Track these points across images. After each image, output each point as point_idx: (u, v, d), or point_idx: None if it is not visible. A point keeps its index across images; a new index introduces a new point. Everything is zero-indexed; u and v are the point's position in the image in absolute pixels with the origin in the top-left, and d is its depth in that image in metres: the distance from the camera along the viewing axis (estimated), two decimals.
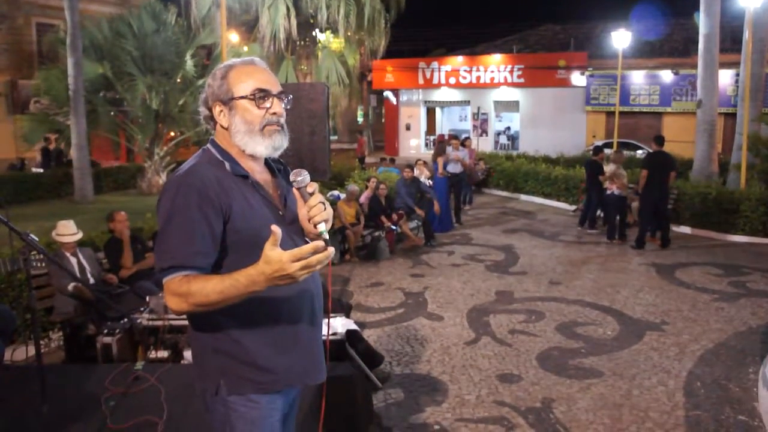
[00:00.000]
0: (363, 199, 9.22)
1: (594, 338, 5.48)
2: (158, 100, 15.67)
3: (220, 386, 1.77)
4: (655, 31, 23.69)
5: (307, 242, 1.78)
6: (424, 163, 11.40)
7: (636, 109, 22.91)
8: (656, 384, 4.50)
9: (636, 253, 8.87)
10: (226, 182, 1.73)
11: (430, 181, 10.75)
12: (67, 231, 5.17)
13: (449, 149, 11.53)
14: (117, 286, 5.29)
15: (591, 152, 11.24)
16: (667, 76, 22.26)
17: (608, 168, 9.94)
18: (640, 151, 19.27)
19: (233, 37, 19.39)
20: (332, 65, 20.19)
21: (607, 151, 12.03)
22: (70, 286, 4.89)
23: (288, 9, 19.10)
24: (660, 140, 9.15)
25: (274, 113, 1.80)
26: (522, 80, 24.84)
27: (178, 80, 16.29)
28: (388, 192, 9.54)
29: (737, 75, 16.22)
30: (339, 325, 4.39)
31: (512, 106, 26.15)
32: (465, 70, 25.82)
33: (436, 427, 3.88)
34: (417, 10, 33.30)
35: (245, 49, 18.06)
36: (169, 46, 15.75)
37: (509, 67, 24.94)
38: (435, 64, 26.49)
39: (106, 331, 4.37)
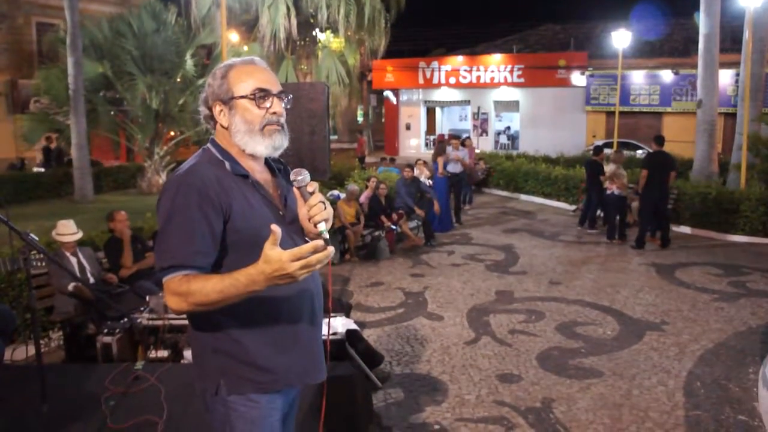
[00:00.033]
0: (363, 198, 9.22)
1: (594, 338, 5.48)
2: (158, 100, 15.68)
3: (220, 386, 1.77)
4: (655, 31, 23.68)
5: (307, 242, 1.78)
6: (424, 162, 11.39)
7: (636, 109, 22.91)
8: (656, 384, 4.50)
9: (636, 253, 8.87)
10: (226, 182, 1.73)
11: (430, 180, 10.75)
12: (67, 230, 5.17)
13: (449, 149, 11.53)
14: (117, 286, 5.29)
15: (591, 152, 11.24)
16: (667, 76, 22.26)
17: (608, 168, 9.94)
18: (640, 151, 19.26)
19: (233, 36, 19.38)
20: (332, 65, 20.19)
21: (607, 151, 12.03)
22: (70, 286, 4.89)
23: (288, 8, 19.10)
24: (660, 140, 9.15)
25: (275, 113, 1.80)
26: (522, 80, 24.83)
27: (178, 80, 16.30)
28: (388, 192, 9.54)
29: (737, 75, 16.22)
30: (339, 324, 4.39)
31: (512, 105, 26.15)
32: (465, 70, 25.81)
33: (436, 426, 3.88)
34: (417, 10, 33.25)
35: (245, 48, 18.06)
36: (169, 46, 15.75)
37: (509, 66, 24.93)
38: (435, 64, 26.48)
39: (106, 330, 4.37)
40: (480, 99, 26.40)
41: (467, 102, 27.28)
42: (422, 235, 9.65)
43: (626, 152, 14.89)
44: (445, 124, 30.01)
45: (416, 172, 10.45)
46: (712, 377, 4.61)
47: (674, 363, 4.89)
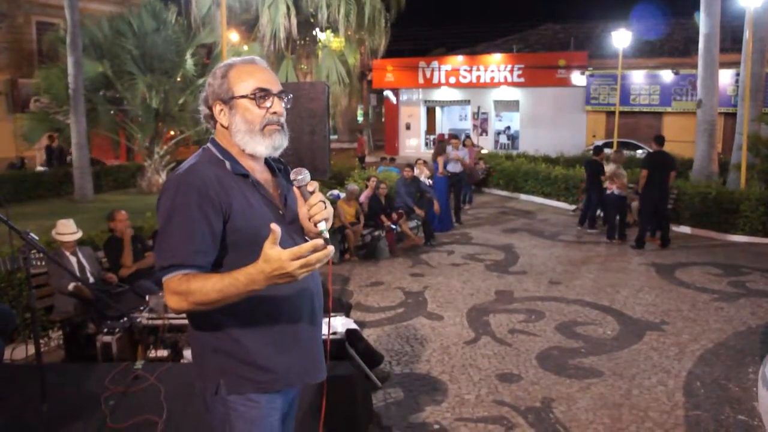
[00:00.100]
0: (363, 198, 9.22)
1: (594, 338, 5.48)
2: (158, 99, 15.68)
3: (220, 385, 1.77)
4: (655, 31, 23.68)
5: (306, 241, 1.77)
6: (424, 162, 11.40)
7: (636, 109, 22.91)
8: (656, 384, 4.50)
9: (636, 252, 8.87)
10: (227, 181, 1.73)
11: (430, 180, 10.75)
12: (67, 230, 5.17)
13: (449, 149, 11.53)
14: (117, 285, 5.29)
15: (591, 152, 11.24)
16: (667, 75, 22.26)
17: (608, 168, 9.94)
18: (640, 151, 19.27)
19: (233, 36, 19.38)
20: (332, 64, 20.19)
21: (607, 150, 12.03)
22: (70, 286, 4.89)
23: (288, 8, 19.10)
24: (660, 140, 9.15)
25: (275, 112, 1.79)
26: (522, 80, 24.83)
27: (178, 79, 16.30)
28: (388, 191, 9.53)
29: (737, 75, 16.22)
30: (339, 324, 4.39)
31: (512, 105, 26.15)
32: (465, 70, 25.81)
33: (436, 426, 3.88)
34: (417, 10, 33.27)
35: (245, 48, 18.07)
36: (169, 45, 15.75)
37: (509, 66, 24.93)
38: (435, 64, 26.48)
39: (105, 330, 4.37)
40: (480, 99, 26.40)
41: (467, 102, 27.29)
42: (422, 234, 9.65)
43: (626, 152, 14.88)
44: (445, 123, 30.02)
45: (416, 171, 10.45)
46: (712, 377, 4.61)
47: (674, 363, 4.89)
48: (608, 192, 9.70)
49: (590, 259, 8.54)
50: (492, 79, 25.34)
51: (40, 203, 13.99)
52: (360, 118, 35.37)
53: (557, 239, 9.91)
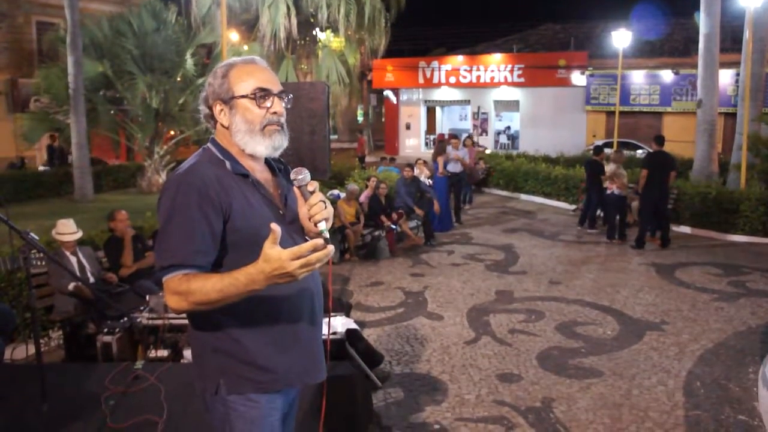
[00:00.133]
0: (363, 198, 9.22)
1: (594, 338, 5.48)
2: (158, 99, 15.68)
3: (220, 385, 1.77)
4: (655, 31, 23.68)
5: (307, 241, 1.77)
6: (424, 162, 11.40)
7: (636, 109, 22.91)
8: (656, 384, 4.50)
9: (636, 252, 8.87)
10: (227, 181, 1.73)
11: (430, 180, 10.75)
12: (67, 230, 5.17)
13: (449, 148, 11.53)
14: (117, 285, 5.29)
15: (591, 152, 11.24)
16: (667, 75, 22.26)
17: (608, 168, 9.94)
18: (640, 151, 19.26)
19: (233, 36, 19.38)
20: (332, 64, 20.18)
21: (607, 150, 12.03)
22: (70, 285, 4.89)
23: (288, 8, 19.09)
24: (660, 140, 9.15)
25: (275, 113, 1.79)
26: (522, 80, 24.82)
27: (178, 79, 16.30)
28: (388, 191, 9.53)
29: (737, 75, 16.21)
30: (339, 324, 4.39)
31: (512, 105, 26.14)
32: (465, 70, 25.80)
33: (436, 426, 3.88)
34: (417, 10, 33.23)
35: (245, 48, 18.06)
36: (169, 45, 15.75)
37: (509, 66, 24.92)
38: (435, 64, 26.47)
39: (106, 330, 4.37)
40: (480, 98, 26.40)
41: (467, 101, 27.28)
42: (422, 234, 9.65)
43: (626, 152, 14.88)
44: (445, 123, 30.01)
45: (416, 171, 10.45)
46: (712, 377, 4.61)
47: (674, 363, 4.89)
48: (608, 192, 9.70)
49: (590, 259, 8.54)
50: (492, 79, 25.33)
51: (40, 203, 13.99)
52: (360, 118, 35.36)
53: (557, 239, 9.91)
